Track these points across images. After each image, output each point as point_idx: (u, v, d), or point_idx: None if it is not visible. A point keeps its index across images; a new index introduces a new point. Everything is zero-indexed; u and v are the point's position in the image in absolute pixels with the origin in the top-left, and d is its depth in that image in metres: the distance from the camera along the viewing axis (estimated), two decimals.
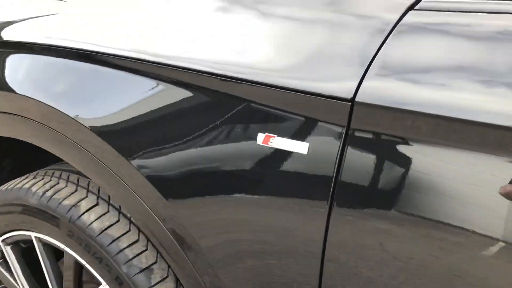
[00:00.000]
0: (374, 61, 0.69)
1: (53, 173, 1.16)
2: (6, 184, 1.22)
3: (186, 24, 0.92)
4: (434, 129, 0.64)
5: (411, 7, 0.72)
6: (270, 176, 0.78)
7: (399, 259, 0.69)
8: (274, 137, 0.76)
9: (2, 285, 1.37)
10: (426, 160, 0.66)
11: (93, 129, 0.92)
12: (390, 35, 0.70)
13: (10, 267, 1.30)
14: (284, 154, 0.75)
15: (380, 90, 0.68)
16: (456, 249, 0.65)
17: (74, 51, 0.97)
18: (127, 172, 0.91)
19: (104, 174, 0.96)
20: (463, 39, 0.68)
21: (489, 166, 0.62)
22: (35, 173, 1.21)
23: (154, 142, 0.87)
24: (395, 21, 0.71)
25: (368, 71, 0.69)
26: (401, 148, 0.67)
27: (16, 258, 1.28)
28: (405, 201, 0.67)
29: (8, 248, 1.28)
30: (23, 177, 1.21)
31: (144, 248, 1.03)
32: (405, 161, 0.67)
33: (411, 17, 0.71)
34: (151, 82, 0.88)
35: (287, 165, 0.76)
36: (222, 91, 0.81)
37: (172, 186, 0.88)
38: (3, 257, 1.30)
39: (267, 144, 0.76)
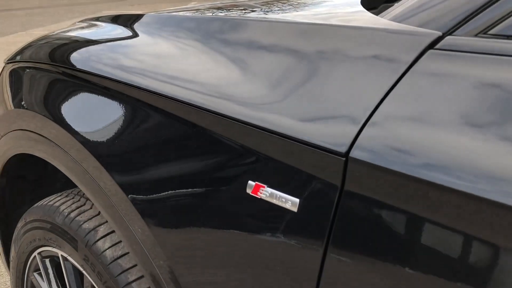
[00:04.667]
0: (376, 111, 0.57)
1: (84, 193, 1.16)
2: (43, 199, 1.24)
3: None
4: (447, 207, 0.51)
5: (431, 46, 0.59)
6: (255, 228, 0.69)
7: None
8: (264, 187, 0.67)
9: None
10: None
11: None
12: (400, 81, 0.58)
13: (47, 279, 1.32)
14: (272, 207, 0.66)
15: (379, 146, 0.56)
16: None
17: None
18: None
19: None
20: (492, 90, 0.54)
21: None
22: (70, 190, 1.22)
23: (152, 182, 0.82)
24: (408, 64, 0.58)
25: (368, 122, 0.57)
26: (402, 225, 0.54)
27: (52, 272, 1.29)
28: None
29: (46, 261, 1.30)
30: (58, 194, 1.22)
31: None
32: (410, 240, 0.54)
33: (428, 59, 0.58)
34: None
35: (275, 220, 0.66)
36: (217, 130, 0.73)
37: (168, 233, 0.82)
38: (43, 269, 1.33)
39: (257, 194, 0.67)
